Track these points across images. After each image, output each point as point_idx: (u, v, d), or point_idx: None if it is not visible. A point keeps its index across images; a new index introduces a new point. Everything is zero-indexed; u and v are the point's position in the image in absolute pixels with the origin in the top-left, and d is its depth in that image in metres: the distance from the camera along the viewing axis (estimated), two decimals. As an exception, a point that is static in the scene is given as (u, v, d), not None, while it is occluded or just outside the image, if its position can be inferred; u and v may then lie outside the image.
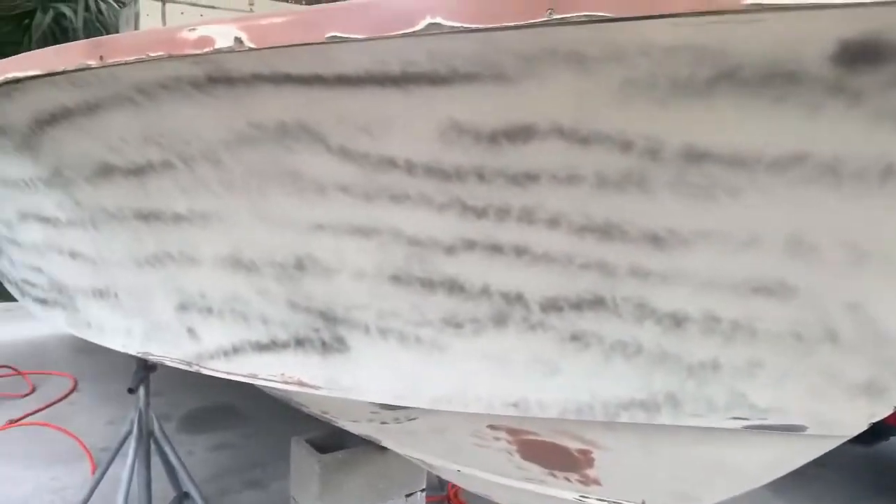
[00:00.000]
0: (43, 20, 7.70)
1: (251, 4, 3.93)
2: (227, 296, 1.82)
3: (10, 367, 4.79)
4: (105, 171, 1.76)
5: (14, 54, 5.09)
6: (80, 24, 7.68)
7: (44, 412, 4.26)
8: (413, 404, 1.66)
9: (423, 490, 2.99)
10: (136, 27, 3.48)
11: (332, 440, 2.84)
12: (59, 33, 7.80)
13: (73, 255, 2.27)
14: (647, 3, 0.87)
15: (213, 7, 3.75)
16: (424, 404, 1.63)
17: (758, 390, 1.36)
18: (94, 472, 3.48)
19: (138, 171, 1.68)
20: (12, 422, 4.01)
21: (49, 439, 3.83)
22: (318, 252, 1.58)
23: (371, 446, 2.70)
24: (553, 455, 1.66)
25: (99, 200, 1.91)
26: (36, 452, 3.69)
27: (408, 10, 0.99)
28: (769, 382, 1.34)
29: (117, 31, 7.90)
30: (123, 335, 2.22)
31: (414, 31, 0.99)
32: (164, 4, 3.57)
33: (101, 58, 1.30)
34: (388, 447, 2.23)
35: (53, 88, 1.51)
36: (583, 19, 0.90)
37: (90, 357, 5.07)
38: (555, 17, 0.90)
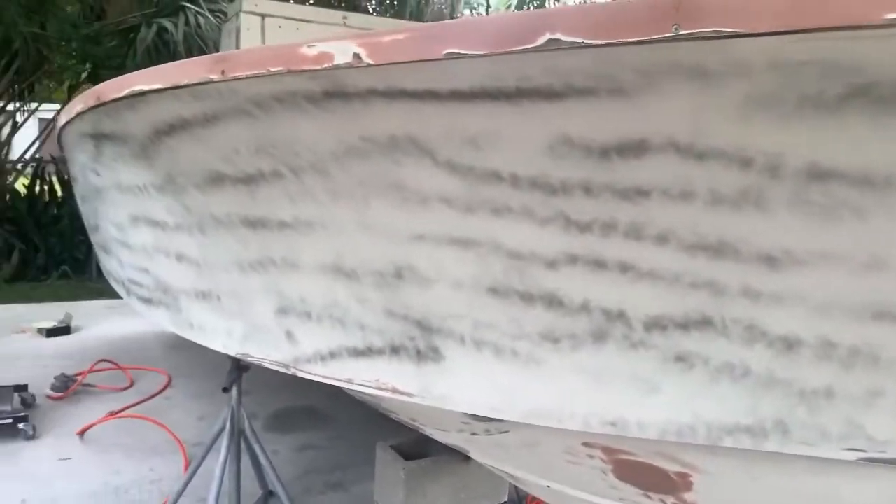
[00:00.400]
0: (147, 34, 8.13)
1: (345, 18, 4.04)
2: (327, 301, 1.87)
3: (111, 362, 5.05)
4: (216, 180, 1.85)
5: (120, 67, 5.44)
6: (180, 37, 8.08)
7: (140, 405, 4.48)
8: (506, 417, 1.65)
9: (504, 503, 2.98)
10: (238, 40, 3.63)
11: (416, 447, 2.86)
12: (161, 46, 8.23)
13: (180, 257, 2.38)
14: (779, 19, 0.84)
15: (308, 21, 3.88)
16: (518, 418, 1.63)
17: (877, 421, 1.28)
18: (186, 465, 3.63)
19: (248, 180, 1.75)
20: (112, 413, 4.22)
21: (145, 431, 4.01)
22: (417, 262, 1.60)
23: (455, 455, 2.71)
24: (649, 476, 1.62)
25: (207, 207, 2.01)
26: (134, 444, 3.87)
27: (527, 26, 1.00)
28: (890, 413, 1.26)
29: (216, 44, 8.27)
30: (224, 336, 2.32)
31: (533, 48, 1.00)
32: (263, 19, 3.72)
33: (223, 72, 1.36)
34: (475, 458, 2.23)
35: (175, 101, 1.60)
36: (710, 35, 0.88)
37: (183, 355, 5.31)
38: (681, 32, 0.89)
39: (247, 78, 1.34)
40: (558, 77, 1.09)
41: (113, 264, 3.38)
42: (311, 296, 1.91)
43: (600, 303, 1.38)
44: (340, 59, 1.20)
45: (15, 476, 3.41)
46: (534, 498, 2.84)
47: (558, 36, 0.97)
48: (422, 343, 1.71)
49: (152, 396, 4.66)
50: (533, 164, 1.25)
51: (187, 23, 8.17)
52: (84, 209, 3.76)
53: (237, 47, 3.63)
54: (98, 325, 6.38)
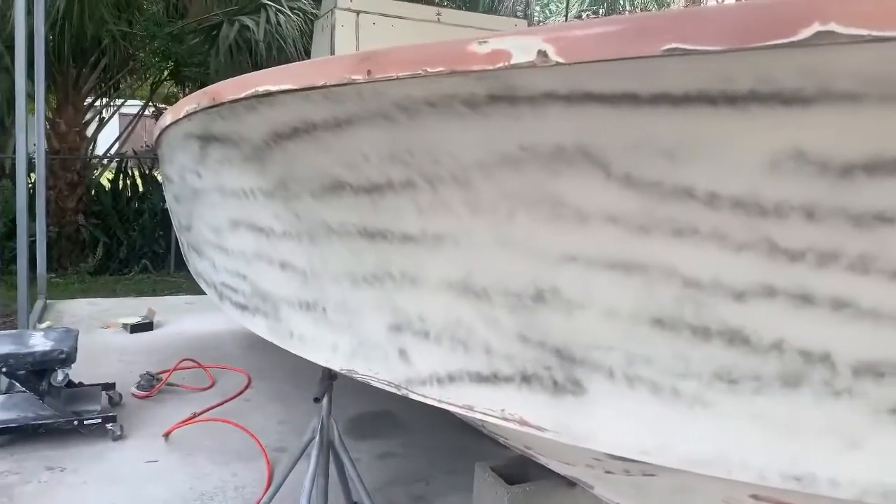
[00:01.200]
0: (230, 32, 8.21)
1: (438, 15, 3.91)
2: (450, 321, 1.71)
3: (193, 361, 5.06)
4: (335, 188, 1.71)
5: (201, 64, 5.46)
6: (261, 35, 8.12)
7: (222, 407, 4.45)
8: (659, 462, 1.46)
9: (608, 533, 2.79)
10: (333, 36, 3.53)
11: (517, 469, 2.70)
12: (242, 43, 8.30)
13: (283, 265, 2.27)
14: None
15: (402, 17, 3.75)
16: (673, 464, 1.44)
17: None
18: (269, 472, 3.56)
19: (373, 190, 1.61)
20: (195, 415, 4.20)
21: (228, 434, 3.97)
22: (563, 284, 1.42)
23: (559, 481, 2.53)
24: (832, 540, 1.40)
25: (321, 215, 1.88)
26: (217, 447, 3.83)
27: (788, 15, 0.81)
28: None
29: (296, 42, 8.28)
30: (328, 349, 2.20)
31: (793, 41, 0.80)
32: (357, 15, 3.61)
33: (369, 72, 1.21)
34: (599, 493, 2.04)
35: (305, 103, 1.46)
36: None
37: (261, 355, 5.28)
38: None
39: (398, 79, 1.18)
40: (814, 79, 0.90)
41: (205, 267, 3.32)
42: (431, 314, 1.76)
43: (799, 343, 1.18)
44: (520, 58, 1.03)
45: (104, 478, 3.40)
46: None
47: (832, 27, 0.77)
48: (560, 374, 1.54)
49: (233, 397, 4.63)
50: (743, 181, 1.06)
51: (268, 21, 8.22)
52: (176, 209, 3.73)
53: (332, 44, 3.53)
54: (178, 321, 6.44)
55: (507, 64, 1.04)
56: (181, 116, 2.10)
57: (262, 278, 2.49)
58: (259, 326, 2.66)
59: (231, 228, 2.53)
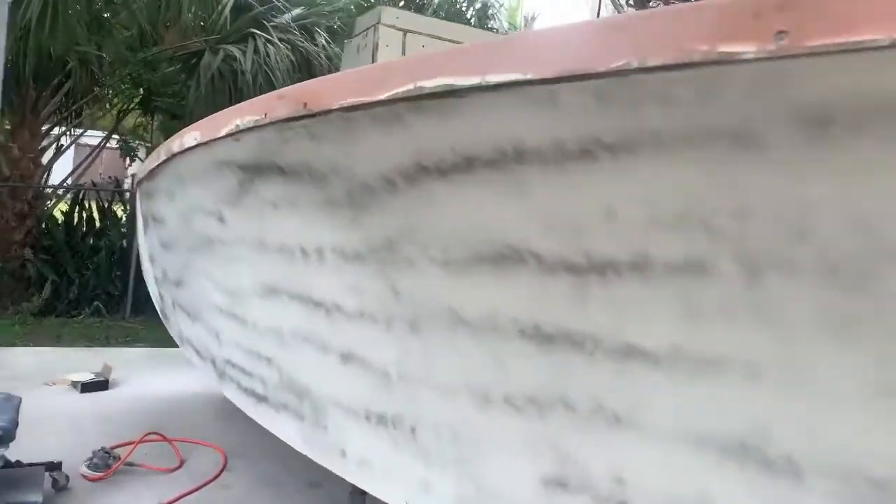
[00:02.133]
0: (213, 61, 7.55)
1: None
2: (683, 491, 1.04)
3: (158, 434, 4.21)
4: (501, 258, 1.04)
5: (176, 94, 4.72)
6: (248, 65, 7.49)
7: (195, 493, 3.63)
8: None
9: None
10: (375, 57, 2.90)
11: None
12: (228, 73, 7.64)
13: (348, 357, 1.57)
14: None
15: (455, 42, 3.16)
16: None
17: None
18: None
19: (591, 269, 0.94)
20: (162, 508, 3.38)
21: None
22: None
23: None
24: None
25: (448, 296, 1.20)
26: (191, 554, 3.04)
27: None
28: None
29: (284, 76, 7.63)
30: (413, 487, 1.49)
31: None
32: (404, 35, 3.00)
33: (781, 34, 0.57)
34: None
35: (538, 110, 0.79)
36: None
37: (239, 428, 4.46)
38: None
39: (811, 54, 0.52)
40: None
41: (200, 334, 2.57)
42: (640, 472, 1.08)
43: None
44: None
45: None
46: None
47: None
48: None
49: (208, 482, 3.80)
50: None
51: (256, 51, 7.59)
52: (162, 258, 2.97)
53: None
54: (139, 379, 5.57)
55: None
56: (221, 135, 1.40)
57: (303, 367, 1.78)
58: (286, 429, 1.94)
59: (262, 294, 1.81)
